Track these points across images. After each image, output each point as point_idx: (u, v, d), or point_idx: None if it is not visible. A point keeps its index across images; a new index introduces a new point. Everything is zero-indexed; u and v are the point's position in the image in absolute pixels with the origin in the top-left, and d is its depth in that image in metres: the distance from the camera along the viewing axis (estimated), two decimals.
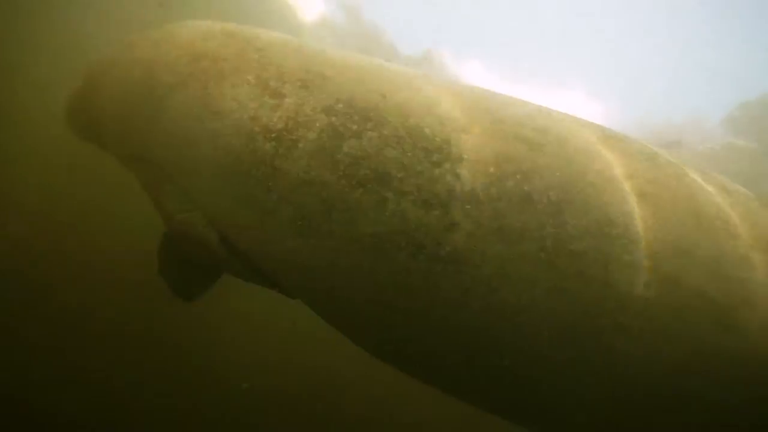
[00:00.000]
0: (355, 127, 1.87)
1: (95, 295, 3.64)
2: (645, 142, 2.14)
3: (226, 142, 1.93)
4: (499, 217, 1.71)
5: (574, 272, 1.67)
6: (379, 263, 1.77)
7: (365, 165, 1.81)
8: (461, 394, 2.00)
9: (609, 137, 2.04)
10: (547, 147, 1.86)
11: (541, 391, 1.75)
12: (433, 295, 1.73)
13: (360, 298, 1.86)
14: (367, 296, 1.85)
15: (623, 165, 1.88)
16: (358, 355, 2.14)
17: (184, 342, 3.70)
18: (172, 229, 2.38)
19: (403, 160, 1.80)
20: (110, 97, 2.33)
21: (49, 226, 3.64)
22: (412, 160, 1.80)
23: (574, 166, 1.82)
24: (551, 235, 1.69)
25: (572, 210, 1.73)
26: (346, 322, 2.02)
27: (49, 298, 3.56)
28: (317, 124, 1.89)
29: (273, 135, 1.90)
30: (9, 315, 3.42)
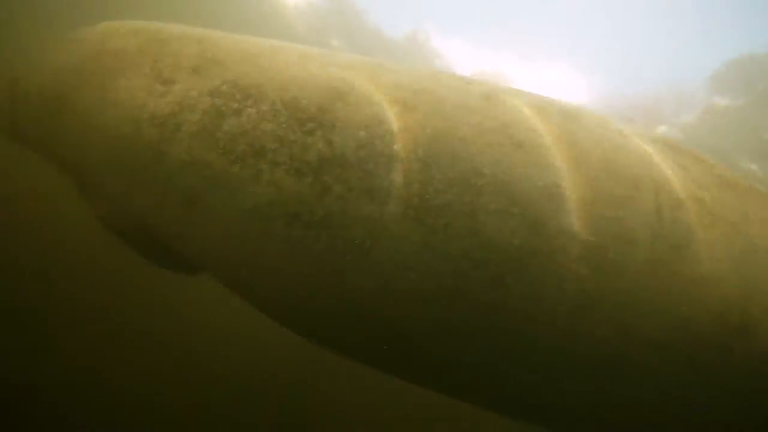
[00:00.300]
0: (236, 105, 1.91)
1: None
2: (562, 101, 2.09)
3: (117, 132, 2.01)
4: (368, 178, 1.73)
5: (442, 225, 1.67)
6: (262, 235, 1.82)
7: (242, 140, 1.85)
8: (352, 355, 2.05)
9: (505, 92, 2.01)
10: (421, 107, 1.86)
11: (424, 350, 1.76)
12: (311, 260, 1.77)
13: (254, 270, 1.92)
14: (260, 267, 1.90)
15: (504, 116, 1.86)
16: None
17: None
18: (105, 226, 2.50)
19: (278, 132, 1.84)
20: (27, 102, 2.45)
21: None
22: (286, 131, 1.84)
23: (448, 121, 1.81)
24: (417, 191, 1.70)
25: (439, 165, 1.73)
26: (252, 294, 2.08)
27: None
28: (201, 107, 1.95)
29: (158, 121, 1.96)
30: None
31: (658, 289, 1.60)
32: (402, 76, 1.98)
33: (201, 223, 1.93)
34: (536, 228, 1.64)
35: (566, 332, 1.61)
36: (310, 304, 1.85)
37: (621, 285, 1.60)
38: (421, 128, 1.80)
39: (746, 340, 1.62)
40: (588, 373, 1.64)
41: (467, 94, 1.96)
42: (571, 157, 1.78)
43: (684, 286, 1.61)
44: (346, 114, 1.84)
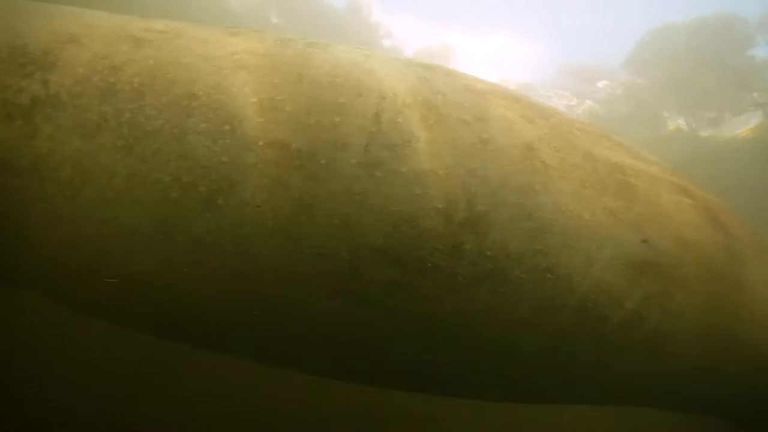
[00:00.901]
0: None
1: None
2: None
3: None
4: (79, 113, 1.63)
5: (152, 152, 1.58)
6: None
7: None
8: (85, 310, 1.91)
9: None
10: (156, 42, 1.79)
11: (154, 295, 1.64)
12: (23, 210, 1.64)
13: None
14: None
15: (233, 45, 1.79)
16: None
17: None
18: None
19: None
20: None
21: None
22: (3, 76, 1.73)
23: (175, 53, 1.74)
24: (128, 121, 1.61)
25: (154, 92, 1.64)
26: None
27: None
28: None
29: None
30: None
31: (376, 190, 1.53)
32: (135, 20, 1.92)
33: None
34: (246, 143, 1.56)
35: (286, 247, 1.51)
36: (30, 254, 1.71)
37: (335, 189, 1.52)
38: (143, 60, 1.72)
39: (476, 235, 1.56)
40: (306, 286, 1.54)
41: (207, 32, 1.90)
42: (293, 73, 1.71)
43: (404, 186, 1.54)
44: (71, 54, 1.74)
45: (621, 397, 2.09)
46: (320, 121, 1.60)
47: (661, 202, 1.83)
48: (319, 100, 1.64)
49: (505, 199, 1.58)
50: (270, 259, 1.53)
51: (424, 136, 1.61)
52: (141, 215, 1.58)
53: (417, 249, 1.54)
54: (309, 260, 1.53)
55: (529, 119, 1.81)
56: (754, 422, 2.64)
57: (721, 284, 1.86)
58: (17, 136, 1.64)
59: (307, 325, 1.61)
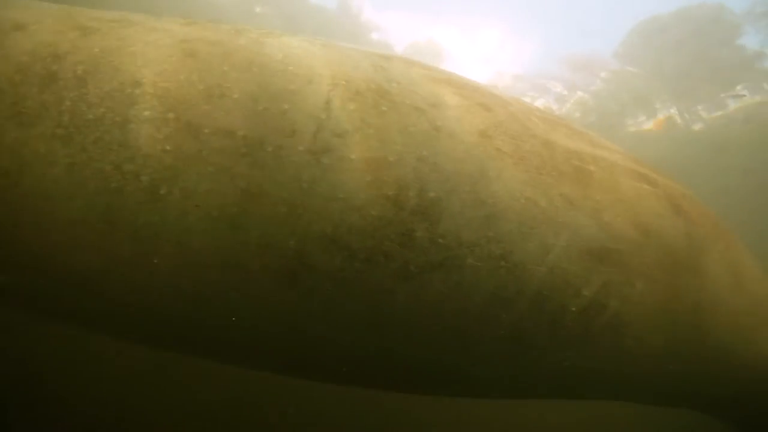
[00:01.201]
0: None
1: None
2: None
3: None
4: (19, 101, 1.57)
5: (92, 140, 1.53)
6: None
7: None
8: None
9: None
10: (104, 30, 1.73)
11: (100, 292, 1.58)
12: None
13: None
14: None
15: (180, 33, 1.74)
16: None
17: None
18: None
19: None
20: None
21: None
22: None
23: (122, 40, 1.69)
24: (69, 108, 1.55)
25: (97, 80, 1.59)
26: None
27: None
28: None
29: None
30: None
31: (324, 177, 1.49)
32: (88, 11, 1.87)
33: None
34: (191, 131, 1.51)
35: (231, 238, 1.47)
36: None
37: (282, 177, 1.48)
38: (88, 48, 1.67)
39: (427, 222, 1.52)
40: (253, 277, 1.49)
41: (160, 22, 1.86)
42: (243, 60, 1.67)
43: (353, 173, 1.50)
44: (14, 42, 1.69)
45: (585, 389, 2.05)
46: (269, 108, 1.56)
47: (621, 189, 1.81)
48: (268, 88, 1.60)
49: (457, 185, 1.54)
50: (215, 250, 1.48)
51: (376, 122, 1.58)
52: (81, 206, 1.52)
53: (367, 237, 1.50)
54: (256, 250, 1.49)
55: (486, 107, 1.78)
56: (749, 423, 2.64)
57: (683, 271, 1.84)
58: None
59: (255, 319, 1.56)
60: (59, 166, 1.53)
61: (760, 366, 2.15)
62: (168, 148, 1.50)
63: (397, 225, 1.50)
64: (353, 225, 1.49)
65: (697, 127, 10.60)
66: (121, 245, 1.52)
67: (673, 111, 10.63)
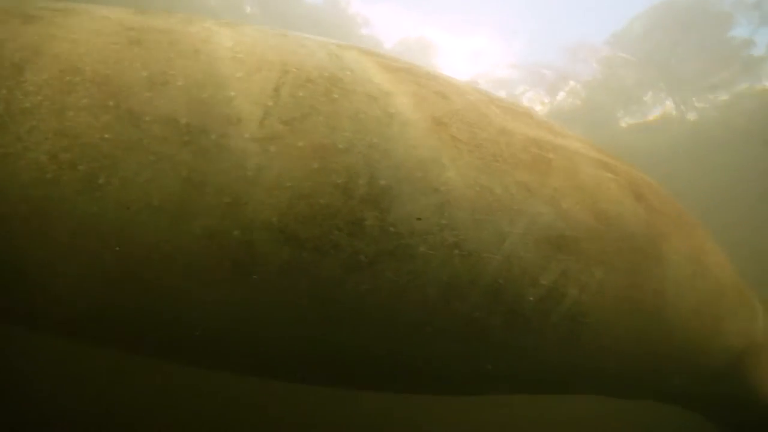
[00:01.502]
0: None
1: None
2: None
3: None
4: None
5: (27, 130, 1.45)
6: None
7: None
8: None
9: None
10: (48, 18, 1.67)
11: (41, 285, 1.52)
12: None
13: None
14: None
15: (127, 22, 1.70)
16: None
17: None
18: None
19: None
20: None
21: None
22: None
23: (65, 30, 1.64)
24: (4, 97, 1.47)
25: (36, 68, 1.50)
26: None
27: None
28: None
29: None
30: None
31: (270, 165, 1.44)
32: (37, 0, 1.82)
33: None
34: (132, 119, 1.45)
35: (173, 228, 1.41)
36: None
37: (226, 165, 1.43)
38: (29, 35, 1.60)
39: (378, 210, 1.47)
40: (196, 270, 1.43)
41: (110, 11, 1.80)
42: (190, 48, 1.61)
43: (300, 160, 1.45)
44: None
45: (548, 385, 2.02)
46: (214, 95, 1.51)
47: (581, 176, 1.78)
48: (214, 75, 1.55)
49: (409, 173, 1.50)
50: (156, 242, 1.43)
51: (325, 109, 1.53)
52: (16, 198, 1.45)
53: (315, 226, 1.45)
54: (199, 241, 1.43)
55: (443, 95, 1.75)
56: (718, 416, 2.61)
57: (643, 259, 1.82)
58: None
59: (203, 314, 1.51)
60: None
61: (723, 357, 2.13)
62: (107, 136, 1.45)
63: (346, 213, 1.46)
64: (300, 214, 1.45)
65: (692, 116, 10.68)
66: (58, 238, 1.46)
67: (669, 103, 10.71)
